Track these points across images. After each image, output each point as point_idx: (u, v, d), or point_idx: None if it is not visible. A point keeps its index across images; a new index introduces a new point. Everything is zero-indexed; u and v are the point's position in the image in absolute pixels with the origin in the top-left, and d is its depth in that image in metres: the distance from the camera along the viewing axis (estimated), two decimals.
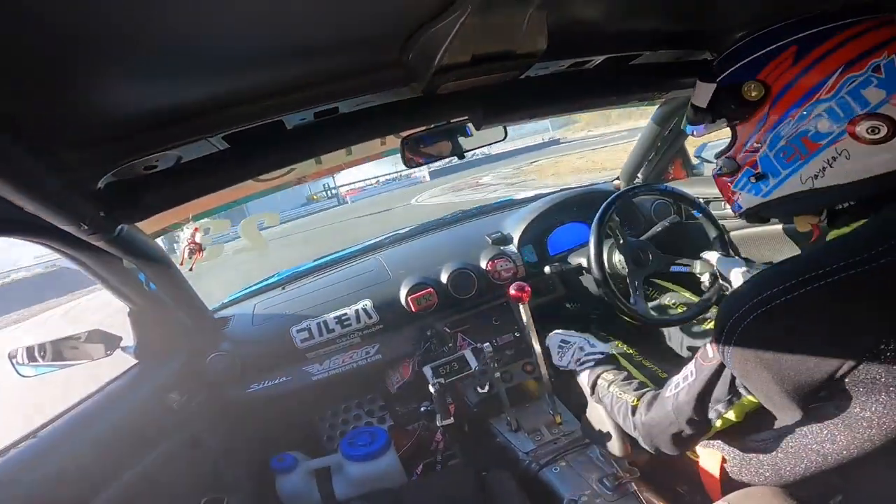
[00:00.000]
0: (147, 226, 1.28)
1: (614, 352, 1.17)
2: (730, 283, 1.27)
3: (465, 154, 1.26)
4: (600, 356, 1.15)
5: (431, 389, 1.50)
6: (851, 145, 0.67)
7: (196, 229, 1.53)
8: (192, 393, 1.48)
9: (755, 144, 0.78)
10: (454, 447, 1.66)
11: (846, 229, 0.73)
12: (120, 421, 1.18)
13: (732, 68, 0.79)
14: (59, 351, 1.36)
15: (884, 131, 0.65)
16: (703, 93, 0.84)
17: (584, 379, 1.15)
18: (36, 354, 1.31)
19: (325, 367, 1.68)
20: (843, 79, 0.68)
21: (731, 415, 0.78)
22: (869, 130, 0.66)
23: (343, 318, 1.68)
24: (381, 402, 1.92)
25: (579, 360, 1.17)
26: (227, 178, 1.01)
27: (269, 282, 2.07)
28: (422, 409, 1.59)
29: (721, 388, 0.77)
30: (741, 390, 0.75)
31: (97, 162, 0.83)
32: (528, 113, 1.11)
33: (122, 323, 1.43)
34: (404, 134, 1.18)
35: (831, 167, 0.70)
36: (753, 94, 0.75)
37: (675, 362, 1.32)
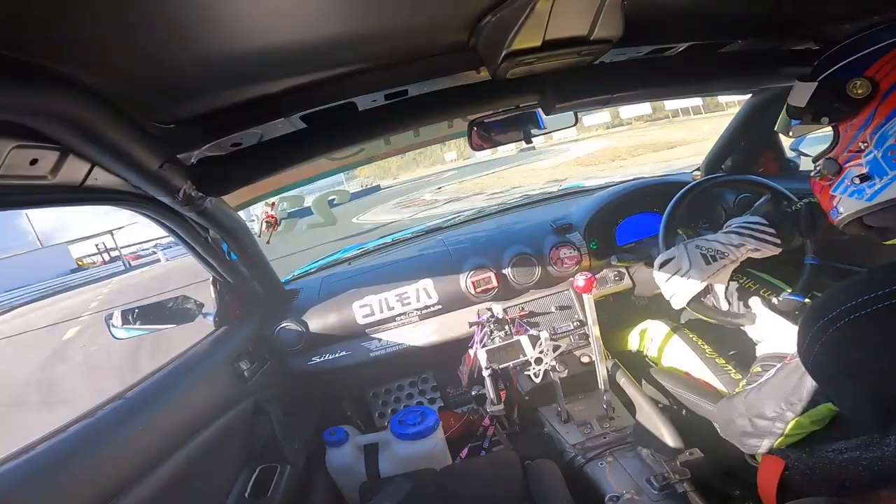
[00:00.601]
0: (230, 199, 1.37)
1: None
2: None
3: (533, 139, 1.23)
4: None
5: (485, 374, 1.51)
6: None
7: (273, 204, 1.63)
8: (260, 362, 1.58)
9: (860, 144, 0.74)
10: (500, 433, 1.67)
11: None
12: (197, 386, 1.26)
13: (837, 66, 0.75)
14: (149, 315, 1.51)
15: None
16: (801, 91, 0.80)
17: None
18: (129, 318, 1.47)
19: (383, 343, 1.74)
20: None
21: (805, 420, 0.74)
22: None
23: (404, 296, 1.73)
24: (433, 382, 1.97)
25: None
26: (304, 155, 1.07)
27: (336, 257, 2.17)
28: (473, 392, 1.60)
29: (800, 392, 0.75)
30: (823, 395, 0.72)
31: (192, 140, 0.91)
32: (601, 99, 1.06)
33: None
34: (472, 117, 1.18)
35: None
36: (860, 91, 0.72)
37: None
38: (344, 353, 1.73)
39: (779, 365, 0.81)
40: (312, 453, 1.59)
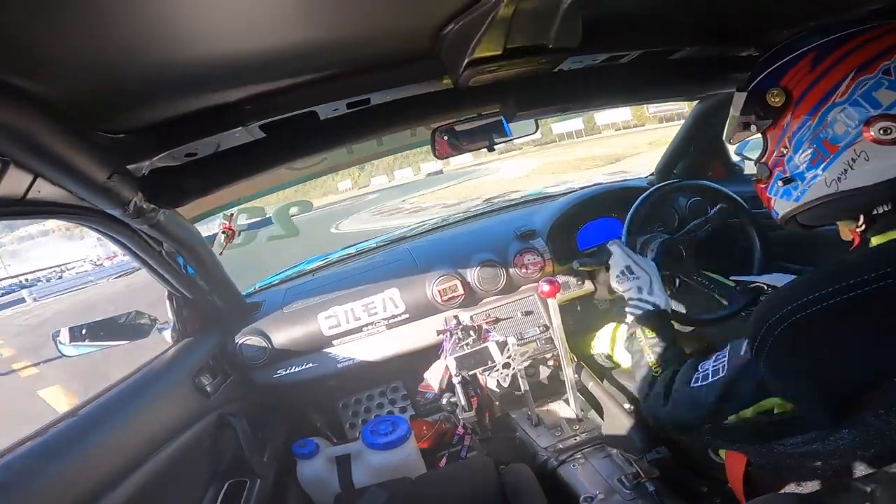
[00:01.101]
0: (186, 211, 1.32)
1: (669, 307, 1.10)
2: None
3: (496, 146, 1.25)
4: (650, 309, 1.09)
5: (454, 381, 1.51)
6: (869, 147, 0.69)
7: (231, 215, 1.58)
8: (222, 376, 1.53)
9: (782, 149, 0.80)
10: (474, 439, 1.67)
11: (889, 235, 0.72)
12: (155, 402, 1.21)
13: (760, 76, 0.81)
14: (99, 332, 1.43)
15: None
16: (737, 101, 0.86)
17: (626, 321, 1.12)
18: (78, 335, 1.39)
19: (351, 354, 1.71)
20: (856, 82, 0.70)
21: (747, 412, 0.78)
22: (882, 131, 0.67)
23: (370, 306, 1.71)
24: (403, 391, 1.95)
25: (630, 299, 1.13)
26: (263, 165, 1.05)
27: (299, 268, 2.12)
28: (443, 400, 1.60)
29: (747, 388, 0.77)
30: (768, 392, 0.74)
31: (144, 150, 0.87)
32: (560, 107, 1.09)
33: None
34: (435, 125, 1.18)
35: (853, 169, 0.71)
36: (776, 100, 0.78)
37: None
38: (311, 364, 1.69)
39: (725, 362, 0.83)
40: (283, 467, 1.55)
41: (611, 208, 1.87)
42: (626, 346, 1.10)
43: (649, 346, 1.03)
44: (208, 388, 1.41)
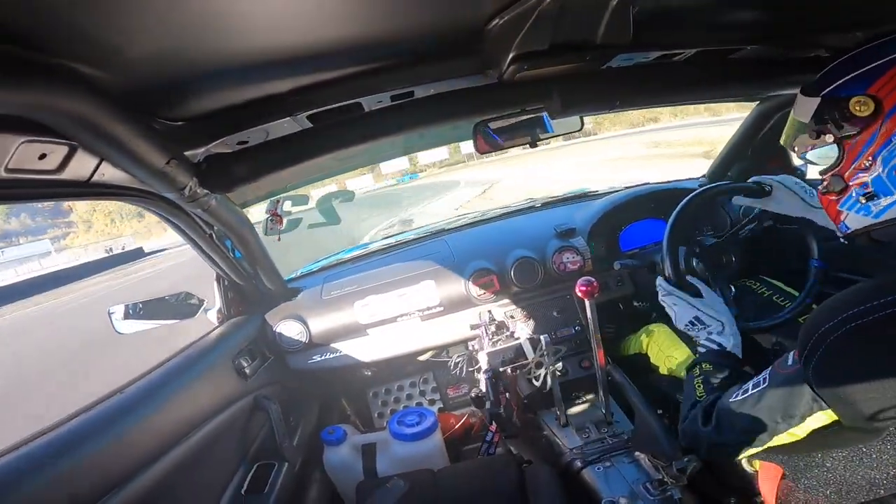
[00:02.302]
0: (235, 197, 1.38)
1: (734, 351, 1.08)
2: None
3: (539, 143, 1.23)
4: (715, 349, 1.08)
5: (484, 376, 1.51)
6: None
7: (278, 201, 1.63)
8: (260, 359, 1.59)
9: (865, 162, 0.73)
10: (501, 437, 1.66)
11: None
12: (197, 382, 1.26)
13: (839, 81, 0.73)
14: (151, 310, 1.52)
15: None
16: (805, 106, 0.78)
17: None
18: (131, 312, 1.48)
19: (384, 344, 1.74)
20: None
21: (799, 430, 0.73)
22: None
23: (405, 297, 1.73)
24: (433, 383, 1.97)
25: (699, 339, 1.14)
26: (309, 154, 1.08)
27: (339, 256, 2.18)
28: (472, 395, 1.61)
29: (798, 401, 0.72)
30: (820, 403, 0.70)
31: (200, 138, 0.92)
32: (607, 105, 1.06)
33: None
34: (478, 120, 1.18)
35: None
36: (862, 108, 0.70)
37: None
38: (345, 352, 1.74)
39: (766, 374, 0.79)
40: (310, 451, 1.59)
41: (657, 210, 1.81)
42: (686, 372, 1.10)
43: (702, 378, 1.01)
44: (247, 371, 1.47)
